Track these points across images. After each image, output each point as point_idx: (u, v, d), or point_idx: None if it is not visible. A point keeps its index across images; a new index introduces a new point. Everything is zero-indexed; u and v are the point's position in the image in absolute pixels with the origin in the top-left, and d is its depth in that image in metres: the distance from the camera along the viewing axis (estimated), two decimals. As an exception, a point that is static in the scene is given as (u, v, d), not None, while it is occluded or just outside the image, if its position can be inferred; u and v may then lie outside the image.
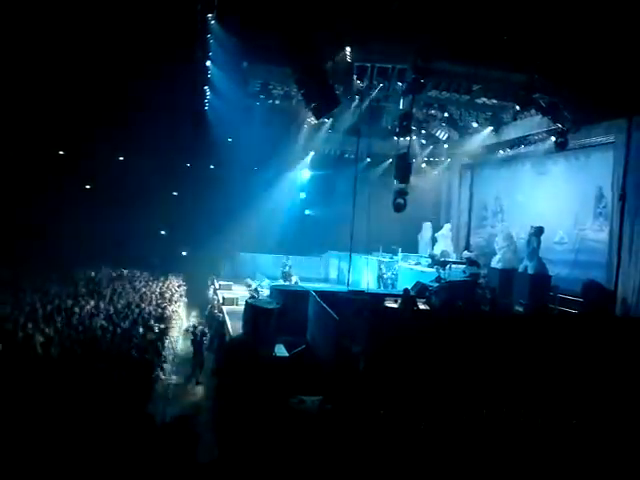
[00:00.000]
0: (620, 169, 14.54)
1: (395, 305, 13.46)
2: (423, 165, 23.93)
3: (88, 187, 29.20)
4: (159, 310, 16.87)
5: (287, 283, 19.71)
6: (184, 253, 26.67)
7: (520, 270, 16.59)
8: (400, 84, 14.96)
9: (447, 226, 22.67)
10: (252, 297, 18.02)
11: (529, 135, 18.22)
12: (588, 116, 14.84)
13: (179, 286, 22.87)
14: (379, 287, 19.72)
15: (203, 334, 14.81)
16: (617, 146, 14.97)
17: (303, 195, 26.87)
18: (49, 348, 11.25)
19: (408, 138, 15.50)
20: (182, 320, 19.59)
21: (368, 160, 21.82)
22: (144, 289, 20.57)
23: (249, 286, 19.26)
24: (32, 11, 19.93)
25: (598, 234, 16.31)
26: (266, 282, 19.55)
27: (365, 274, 20.29)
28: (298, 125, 21.16)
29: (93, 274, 22.27)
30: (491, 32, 12.42)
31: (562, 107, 14.71)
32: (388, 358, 8.44)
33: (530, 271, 16.07)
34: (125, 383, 9.25)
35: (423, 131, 20.88)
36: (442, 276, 16.83)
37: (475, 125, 19.39)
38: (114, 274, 23.00)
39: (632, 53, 11.92)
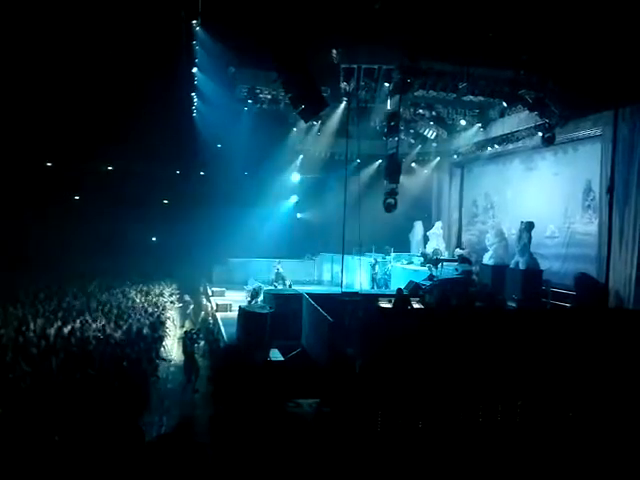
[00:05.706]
0: (608, 161, 14.59)
1: (389, 305, 13.44)
2: (413, 164, 23.94)
3: (77, 198, 29.05)
4: (152, 318, 16.75)
5: (281, 287, 19.63)
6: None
7: (512, 266, 16.64)
8: (387, 84, 14.97)
9: (438, 224, 22.72)
10: (252, 294, 17.61)
11: (517, 131, 18.25)
12: (575, 110, 14.91)
13: (172, 294, 22.73)
14: (372, 287, 19.70)
15: (194, 341, 14.63)
16: (604, 138, 15.03)
17: (295, 198, 26.83)
18: (43, 360, 11.13)
19: (396, 138, 15.51)
20: (176, 327, 19.47)
21: (358, 161, 21.82)
22: (137, 297, 20.42)
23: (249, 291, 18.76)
24: (16, 21, 19.81)
25: (588, 227, 16.40)
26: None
27: (358, 275, 20.27)
28: (287, 128, 21.14)
29: (84, 284, 22.09)
30: (476, 29, 12.48)
31: (548, 102, 14.77)
32: (384, 359, 8.41)
33: (522, 266, 16.12)
34: (119, 394, 9.15)
35: (411, 130, 20.88)
36: (435, 274, 16.84)
37: (463, 123, 19.44)
38: (106, 283, 22.82)
39: (615, 44, 12.01)
